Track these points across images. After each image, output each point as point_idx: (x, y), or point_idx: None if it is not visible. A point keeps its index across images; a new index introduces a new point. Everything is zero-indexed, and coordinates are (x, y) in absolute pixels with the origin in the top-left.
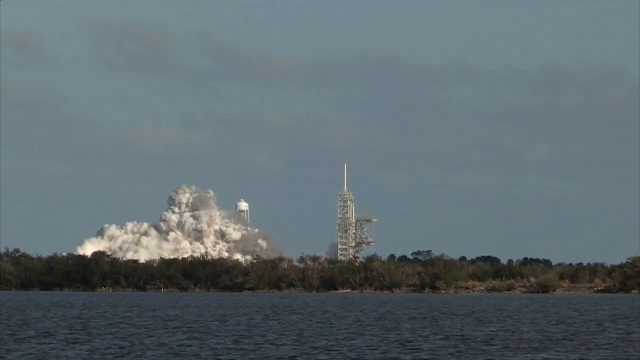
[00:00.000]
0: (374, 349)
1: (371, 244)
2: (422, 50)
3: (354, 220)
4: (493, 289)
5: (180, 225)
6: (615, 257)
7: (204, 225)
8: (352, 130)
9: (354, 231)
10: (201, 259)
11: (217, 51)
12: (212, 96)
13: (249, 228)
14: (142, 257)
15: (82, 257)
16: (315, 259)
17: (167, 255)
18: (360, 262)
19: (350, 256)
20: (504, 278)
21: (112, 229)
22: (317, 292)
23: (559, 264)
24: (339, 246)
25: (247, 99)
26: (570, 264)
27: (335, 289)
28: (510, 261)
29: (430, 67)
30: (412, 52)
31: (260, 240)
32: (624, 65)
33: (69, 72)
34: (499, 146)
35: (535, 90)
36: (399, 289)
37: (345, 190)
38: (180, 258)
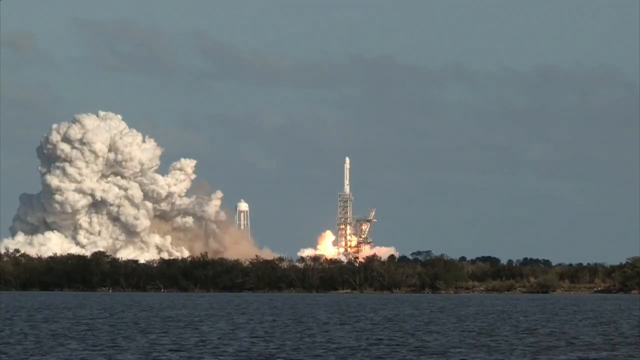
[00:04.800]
0: None
1: (371, 244)
2: (417, 51)
3: (373, 218)
4: (493, 289)
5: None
6: (615, 257)
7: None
8: (349, 130)
9: (353, 231)
10: (201, 259)
11: (212, 51)
12: (207, 96)
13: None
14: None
15: (82, 257)
16: (315, 259)
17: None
18: (360, 262)
19: (350, 256)
20: (504, 278)
21: None
22: (317, 292)
23: (559, 264)
24: (339, 246)
25: (242, 99)
26: (570, 264)
27: (335, 289)
28: (510, 261)
29: (425, 68)
30: (407, 52)
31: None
32: (619, 66)
33: (64, 72)
34: (498, 146)
35: (531, 91)
36: (399, 289)
37: (345, 190)
38: (180, 258)
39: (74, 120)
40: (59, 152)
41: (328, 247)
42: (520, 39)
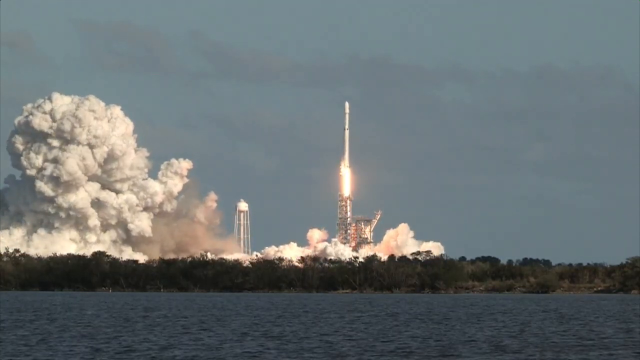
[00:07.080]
0: None
1: (370, 244)
2: (415, 50)
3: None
4: (493, 289)
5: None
6: (615, 257)
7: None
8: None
9: (353, 231)
10: (201, 259)
11: (210, 52)
12: (206, 96)
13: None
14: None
15: (82, 257)
16: (315, 259)
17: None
18: (360, 262)
19: (350, 256)
20: (503, 278)
21: None
22: (317, 292)
23: (559, 264)
24: (339, 246)
25: (241, 99)
26: (570, 264)
27: (335, 289)
28: (510, 261)
29: (422, 68)
30: (404, 52)
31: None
32: (618, 65)
33: (62, 72)
34: (497, 146)
35: (529, 90)
36: (399, 289)
37: (344, 190)
38: (180, 258)
39: (79, 104)
40: (48, 143)
41: (315, 245)
42: (519, 38)
